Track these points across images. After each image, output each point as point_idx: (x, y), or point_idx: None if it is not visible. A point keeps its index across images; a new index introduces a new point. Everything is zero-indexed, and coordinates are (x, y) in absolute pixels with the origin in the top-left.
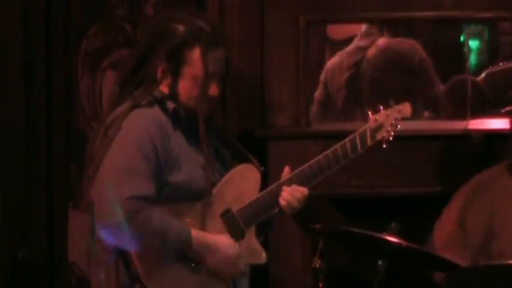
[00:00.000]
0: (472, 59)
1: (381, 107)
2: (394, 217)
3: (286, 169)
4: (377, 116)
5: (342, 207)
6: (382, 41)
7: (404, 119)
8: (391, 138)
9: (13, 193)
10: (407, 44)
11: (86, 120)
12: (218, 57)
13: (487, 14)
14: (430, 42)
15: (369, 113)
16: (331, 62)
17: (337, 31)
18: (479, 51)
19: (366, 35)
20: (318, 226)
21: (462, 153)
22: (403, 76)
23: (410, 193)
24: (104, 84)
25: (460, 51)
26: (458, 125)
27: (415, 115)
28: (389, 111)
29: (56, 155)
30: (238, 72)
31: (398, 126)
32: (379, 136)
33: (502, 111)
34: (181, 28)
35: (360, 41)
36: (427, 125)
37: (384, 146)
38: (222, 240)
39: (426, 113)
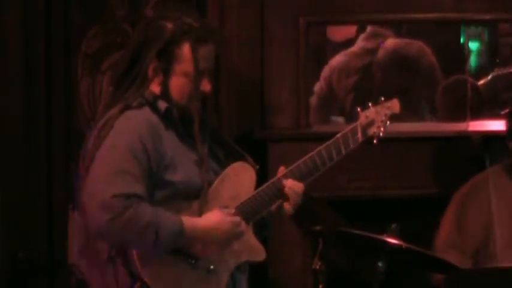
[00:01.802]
0: (472, 61)
1: (370, 104)
2: (394, 219)
3: (281, 169)
4: (367, 113)
5: (342, 209)
6: (389, 43)
7: (394, 115)
8: (381, 134)
9: (13, 193)
10: (416, 46)
11: (86, 120)
12: (208, 53)
13: (487, 16)
14: (430, 44)
15: (358, 109)
16: (337, 61)
17: (337, 32)
18: (479, 52)
19: (372, 36)
20: (318, 228)
21: (462, 155)
22: (411, 79)
23: (410, 195)
24: (104, 85)
25: (460, 53)
26: (457, 127)
27: (423, 117)
28: (378, 108)
29: (56, 155)
30: (238, 73)
31: (388, 123)
32: (370, 132)
33: (502, 113)
34: (169, 25)
35: (366, 43)
36: (427, 126)
37: (375, 142)
38: (212, 218)
39: (428, 114)
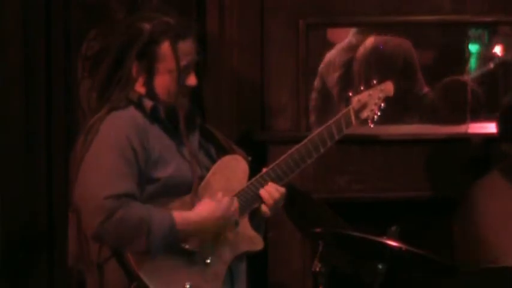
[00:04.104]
0: (472, 63)
1: (362, 87)
2: (394, 221)
3: (264, 170)
4: (359, 97)
5: (342, 211)
6: (370, 41)
7: (388, 97)
8: (376, 117)
9: (13, 193)
10: (394, 43)
11: (86, 122)
12: (188, 47)
13: (487, 18)
14: (430, 46)
15: (350, 94)
16: (328, 55)
17: (337, 35)
18: (479, 54)
19: (359, 32)
20: (318, 230)
21: (462, 157)
22: (389, 76)
23: (410, 197)
24: (80, 92)
25: (460, 55)
26: (458, 129)
27: (400, 117)
28: (371, 91)
29: (56, 155)
30: (238, 75)
31: (383, 105)
32: (363, 116)
33: None
34: (147, 26)
35: (353, 38)
36: (427, 128)
37: (371, 125)
38: (204, 207)
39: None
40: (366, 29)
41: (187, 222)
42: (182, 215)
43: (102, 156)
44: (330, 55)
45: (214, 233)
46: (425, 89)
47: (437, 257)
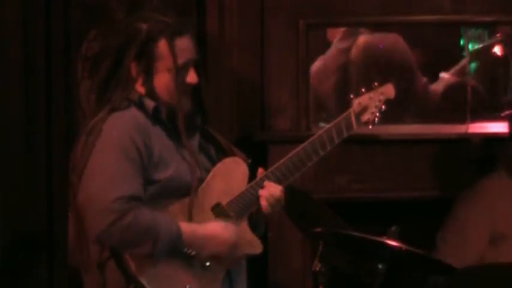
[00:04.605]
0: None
1: (363, 90)
2: (394, 221)
3: (260, 170)
4: (360, 99)
5: (342, 211)
6: (361, 40)
7: (388, 100)
8: (376, 120)
9: (13, 193)
10: (388, 40)
11: (86, 122)
12: (186, 44)
13: (487, 18)
14: (430, 46)
15: (351, 96)
16: (315, 67)
17: (337, 35)
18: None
19: (345, 36)
20: (318, 229)
21: (462, 157)
22: (387, 74)
23: (411, 197)
24: (80, 92)
25: (460, 55)
26: (458, 129)
27: (402, 114)
28: (372, 94)
29: (56, 155)
30: (238, 75)
31: (383, 107)
32: (364, 119)
33: (502, 115)
34: (144, 26)
35: (340, 43)
36: (427, 128)
37: (370, 127)
38: (214, 225)
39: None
40: (351, 31)
41: (194, 235)
42: (190, 228)
43: (107, 157)
44: (316, 67)
45: (218, 251)
46: (424, 80)
47: (437, 258)
